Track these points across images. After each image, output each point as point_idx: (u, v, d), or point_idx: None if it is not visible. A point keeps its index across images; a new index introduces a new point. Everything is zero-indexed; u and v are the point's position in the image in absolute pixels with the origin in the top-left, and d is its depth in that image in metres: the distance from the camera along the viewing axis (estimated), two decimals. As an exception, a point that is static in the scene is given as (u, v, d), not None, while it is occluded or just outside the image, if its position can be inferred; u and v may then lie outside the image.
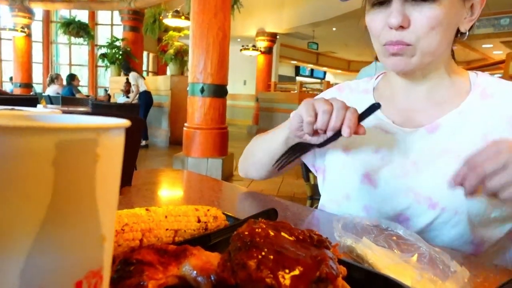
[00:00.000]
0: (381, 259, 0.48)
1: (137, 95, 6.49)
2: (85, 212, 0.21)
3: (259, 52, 11.54)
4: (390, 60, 0.67)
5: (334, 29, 12.29)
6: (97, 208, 0.21)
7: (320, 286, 0.35)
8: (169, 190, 0.94)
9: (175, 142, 6.75)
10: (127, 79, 6.65)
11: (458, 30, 0.68)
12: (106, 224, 0.22)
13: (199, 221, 0.50)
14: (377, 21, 0.66)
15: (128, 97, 6.52)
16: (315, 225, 0.73)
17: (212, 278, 0.37)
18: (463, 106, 0.69)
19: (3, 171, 0.17)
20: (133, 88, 6.45)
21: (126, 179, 0.88)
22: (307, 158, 0.86)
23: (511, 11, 9.53)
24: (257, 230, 0.41)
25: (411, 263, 0.47)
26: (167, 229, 0.46)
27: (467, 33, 0.69)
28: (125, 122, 0.23)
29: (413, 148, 0.70)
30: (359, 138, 0.67)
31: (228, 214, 0.57)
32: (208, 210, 0.52)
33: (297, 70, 18.23)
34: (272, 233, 0.41)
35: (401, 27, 0.62)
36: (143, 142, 6.51)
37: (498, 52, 12.12)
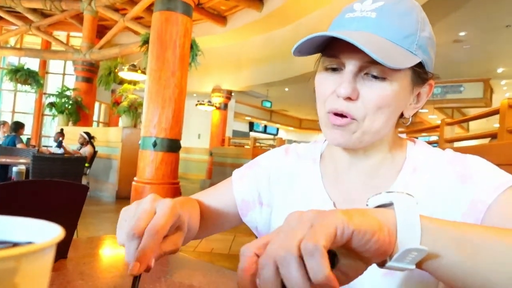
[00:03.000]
0: None
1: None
2: None
3: (214, 108, 11.76)
4: (330, 132, 0.64)
5: (286, 89, 12.95)
6: None
7: None
8: (111, 264, 0.85)
9: (123, 197, 6.42)
10: (87, 133, 6.47)
11: (402, 114, 0.68)
12: None
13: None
14: (326, 86, 0.63)
15: (59, 147, 6.32)
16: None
17: None
18: (394, 186, 0.67)
19: None
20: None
21: (62, 251, 0.79)
22: (250, 221, 0.80)
23: (441, 82, 10.71)
24: None
25: None
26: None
27: (411, 119, 0.69)
28: (55, 238, 0.20)
29: None
30: None
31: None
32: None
33: (251, 126, 18.67)
34: None
35: (349, 99, 0.60)
36: None
37: (432, 117, 13.37)
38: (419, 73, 0.63)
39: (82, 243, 0.95)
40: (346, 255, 0.40)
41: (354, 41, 0.54)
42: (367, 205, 0.45)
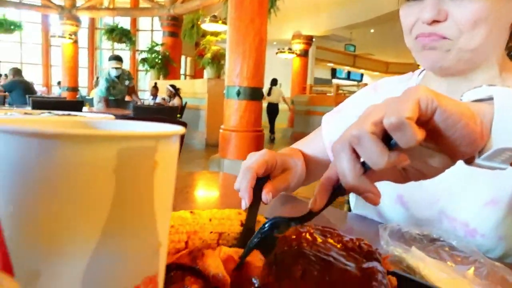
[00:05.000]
0: (434, 272, 0.45)
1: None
2: (143, 220, 0.21)
3: (295, 55, 11.50)
4: (422, 54, 0.60)
5: (372, 31, 12.01)
6: (155, 216, 0.21)
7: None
8: (209, 192, 0.95)
9: (212, 144, 6.85)
10: (172, 86, 7.01)
11: None
12: (162, 231, 0.22)
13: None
14: (410, 16, 0.60)
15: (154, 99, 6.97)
16: (358, 232, 0.70)
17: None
18: None
19: (66, 179, 0.18)
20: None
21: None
22: None
23: None
24: (304, 235, 0.40)
25: (468, 277, 0.44)
26: (211, 232, 0.46)
27: None
28: (181, 129, 0.23)
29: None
30: None
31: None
32: (251, 215, 0.51)
33: (334, 73, 17.97)
34: (319, 239, 0.40)
35: (436, 22, 0.56)
36: None
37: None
38: None
39: (182, 177, 1.06)
40: (430, 147, 0.37)
41: None
42: (461, 99, 0.40)
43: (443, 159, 0.36)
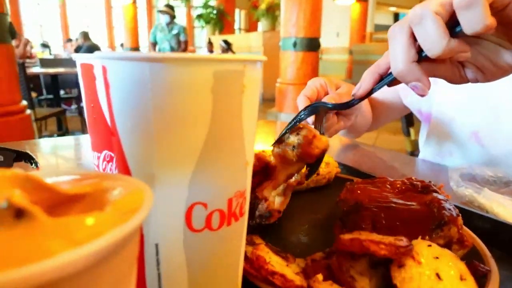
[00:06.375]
0: (509, 210, 0.44)
1: None
2: (235, 138, 0.23)
3: (354, 0, 10.75)
4: None
5: (443, -34, 10.73)
6: (243, 135, 0.24)
7: (443, 230, 0.34)
8: (266, 139, 0.98)
9: (269, 99, 6.86)
10: (225, 41, 7.04)
11: None
12: (248, 151, 0.25)
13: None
14: None
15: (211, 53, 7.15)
16: (426, 175, 0.69)
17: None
18: None
19: (174, 97, 0.20)
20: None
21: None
22: (412, 103, 0.78)
23: None
24: (357, 191, 0.40)
25: (547, 215, 0.42)
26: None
27: None
28: (263, 57, 0.24)
29: None
30: (477, 91, 0.59)
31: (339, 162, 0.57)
32: (319, 154, 0.53)
33: (396, 18, 16.60)
34: (373, 190, 0.40)
35: None
36: None
37: None
38: None
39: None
40: (500, 42, 0.34)
41: None
42: None
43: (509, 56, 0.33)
